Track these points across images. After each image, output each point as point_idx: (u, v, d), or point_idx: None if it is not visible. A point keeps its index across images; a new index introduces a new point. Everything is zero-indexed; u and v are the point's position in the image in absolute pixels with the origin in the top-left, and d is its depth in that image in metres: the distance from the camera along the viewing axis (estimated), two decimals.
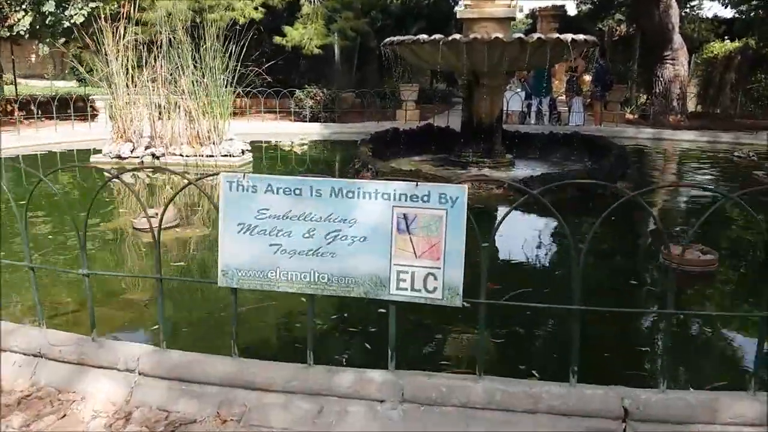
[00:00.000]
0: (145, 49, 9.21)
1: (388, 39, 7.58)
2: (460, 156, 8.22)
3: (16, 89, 18.39)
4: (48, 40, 14.50)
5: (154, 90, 9.19)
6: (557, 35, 7.12)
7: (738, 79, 18.21)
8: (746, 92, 18.03)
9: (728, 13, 20.42)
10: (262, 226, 2.33)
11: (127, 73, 9.25)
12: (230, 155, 8.92)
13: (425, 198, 2.23)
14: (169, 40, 8.93)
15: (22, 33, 13.90)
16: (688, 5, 20.81)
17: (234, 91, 9.54)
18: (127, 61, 9.18)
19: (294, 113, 16.01)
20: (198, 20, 16.52)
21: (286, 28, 16.42)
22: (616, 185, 7.18)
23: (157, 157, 9.03)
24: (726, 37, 18.88)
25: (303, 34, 16.38)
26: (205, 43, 9.02)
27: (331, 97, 16.35)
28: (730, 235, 5.82)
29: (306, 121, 15.55)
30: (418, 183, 2.25)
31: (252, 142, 12.08)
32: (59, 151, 10.71)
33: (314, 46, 16.52)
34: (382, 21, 25.91)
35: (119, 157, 9.01)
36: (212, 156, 8.87)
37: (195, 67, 8.95)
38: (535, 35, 7.14)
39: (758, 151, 10.49)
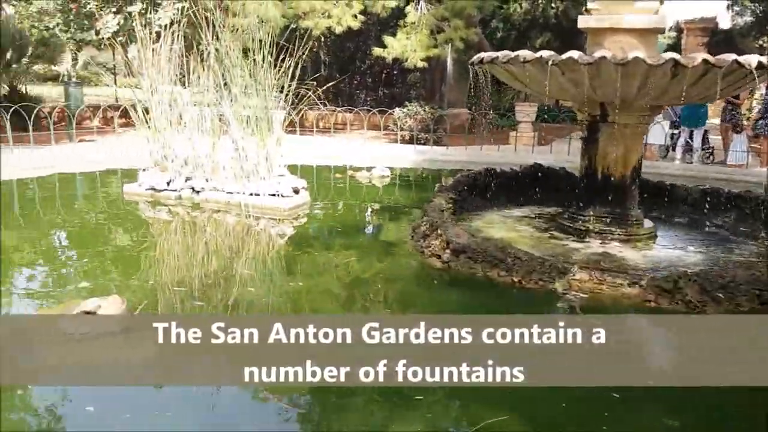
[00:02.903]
0: (199, 59, 7.69)
1: (477, 56, 5.46)
2: (576, 219, 5.90)
3: (117, 95, 18.15)
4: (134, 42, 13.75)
5: (199, 109, 7.67)
6: (735, 57, 4.67)
7: None
8: None
9: None
10: None
11: (176, 86, 7.83)
12: (279, 195, 7.15)
13: None
14: (216, 50, 7.33)
15: (106, 36, 13.14)
16: None
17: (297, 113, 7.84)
18: (177, 73, 7.75)
19: (392, 133, 14.24)
20: (293, 27, 15.29)
21: (387, 39, 14.61)
22: None
23: (197, 192, 7.48)
24: None
25: (405, 45, 14.48)
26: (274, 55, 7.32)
27: (433, 116, 14.33)
28: None
29: (401, 143, 13.65)
30: None
31: (327, 169, 10.42)
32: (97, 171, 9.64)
33: (418, 58, 14.56)
34: (503, 31, 23.61)
35: (154, 189, 7.56)
36: (258, 195, 7.16)
37: (243, 82, 7.29)
38: (699, 56, 4.72)
39: None
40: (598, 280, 4.60)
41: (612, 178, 5.73)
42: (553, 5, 21.56)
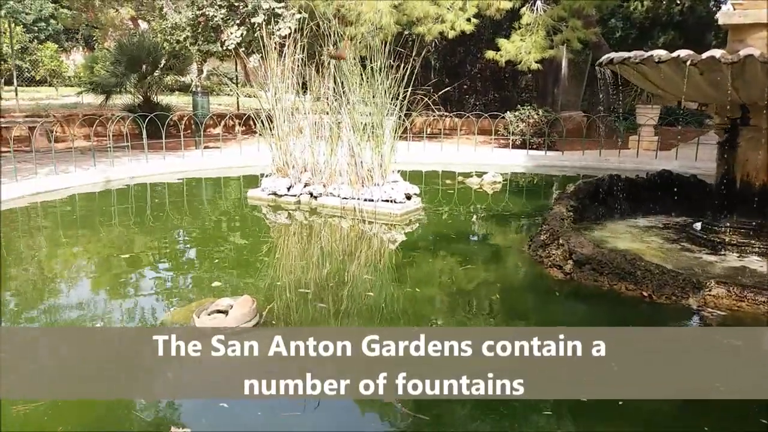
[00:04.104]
0: (315, 68, 7.91)
1: (605, 56, 5.21)
2: (710, 230, 5.50)
3: (238, 104, 19.13)
4: (257, 53, 14.42)
5: (318, 117, 7.90)
6: None
7: None
8: None
9: None
10: None
11: (297, 95, 8.11)
12: (392, 201, 7.21)
13: None
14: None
15: (231, 47, 13.86)
16: None
17: (408, 119, 7.86)
18: (296, 82, 8.02)
19: (503, 137, 14.01)
20: (406, 33, 15.39)
21: (501, 41, 14.36)
22: None
23: (315, 197, 7.70)
24: None
25: (519, 47, 14.15)
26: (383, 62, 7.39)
27: (546, 120, 13.91)
28: None
29: (513, 148, 13.37)
30: None
31: (436, 174, 10.40)
32: (222, 177, 10.15)
33: (533, 60, 14.18)
34: (622, 31, 22.57)
35: (275, 194, 7.86)
36: (371, 200, 7.26)
37: (361, 90, 7.41)
38: None
39: None
40: (737, 296, 4.24)
41: (753, 186, 5.28)
42: (678, 1, 20.34)
